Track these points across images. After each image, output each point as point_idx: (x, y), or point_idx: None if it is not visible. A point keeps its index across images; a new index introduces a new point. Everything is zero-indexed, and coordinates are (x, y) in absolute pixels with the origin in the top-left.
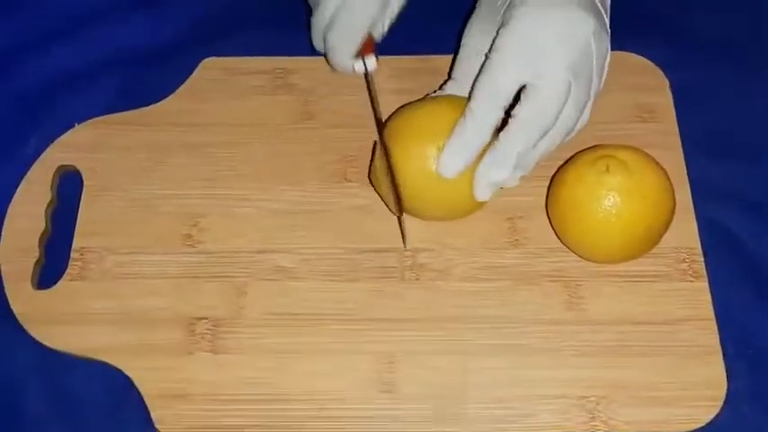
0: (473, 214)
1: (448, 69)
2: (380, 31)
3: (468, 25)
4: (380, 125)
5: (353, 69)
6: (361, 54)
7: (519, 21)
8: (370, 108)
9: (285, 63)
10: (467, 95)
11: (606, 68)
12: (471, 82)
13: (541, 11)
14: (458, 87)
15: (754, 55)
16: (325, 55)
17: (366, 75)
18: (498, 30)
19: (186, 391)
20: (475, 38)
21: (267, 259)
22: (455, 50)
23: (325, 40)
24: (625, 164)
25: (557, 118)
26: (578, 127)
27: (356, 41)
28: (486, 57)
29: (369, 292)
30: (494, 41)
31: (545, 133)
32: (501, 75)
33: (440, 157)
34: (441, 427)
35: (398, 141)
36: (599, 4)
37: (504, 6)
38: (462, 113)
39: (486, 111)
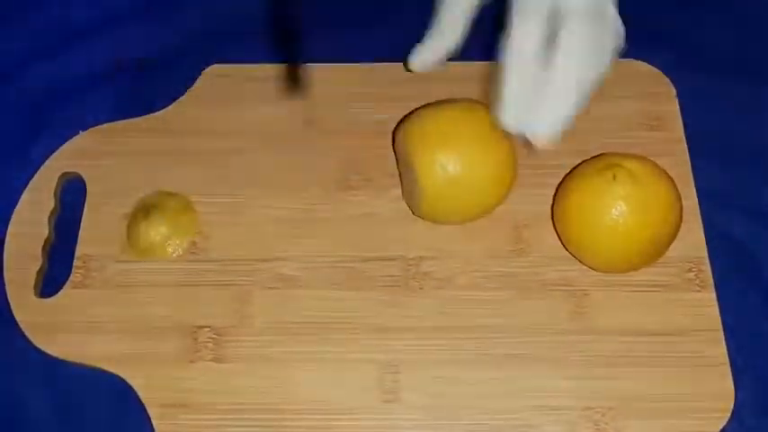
0: (478, 222)
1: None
2: None
3: None
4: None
5: None
6: None
7: None
8: None
9: None
10: (449, 47)
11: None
12: (454, 34)
13: None
14: (441, 39)
15: (761, 63)
16: None
17: None
18: None
19: (188, 401)
20: None
21: (270, 267)
22: None
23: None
24: (632, 173)
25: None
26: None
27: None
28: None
29: (372, 301)
30: None
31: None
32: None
33: (500, 109)
34: None
35: (421, 147)
36: None
37: None
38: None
39: (526, 30)
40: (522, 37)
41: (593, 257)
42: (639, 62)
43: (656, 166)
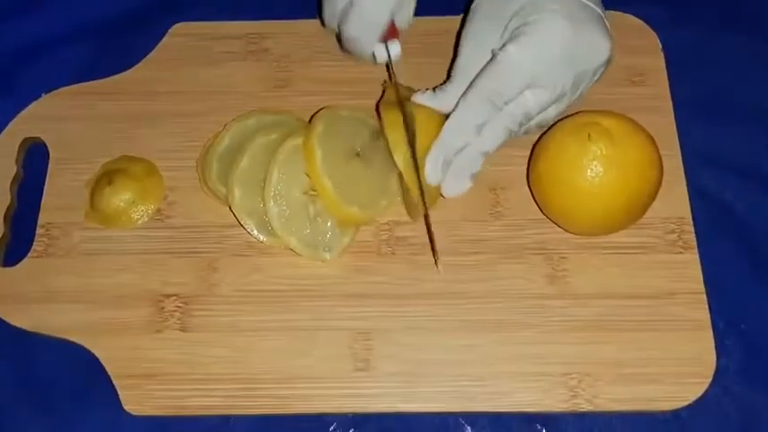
0: None
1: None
2: (406, 17)
3: (467, 26)
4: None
5: (374, 58)
6: (383, 39)
7: (538, 32)
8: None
9: (258, 27)
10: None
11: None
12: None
13: (563, 27)
14: (457, 92)
15: (754, 15)
16: (338, 38)
17: (389, 64)
18: (511, 33)
19: (155, 371)
20: (475, 39)
21: (238, 234)
22: (454, 50)
23: (340, 29)
24: (608, 132)
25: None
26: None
27: (378, 31)
28: (492, 57)
29: (343, 267)
30: (504, 46)
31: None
32: (506, 85)
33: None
34: (417, 404)
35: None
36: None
37: (515, 10)
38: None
39: (476, 116)
40: (470, 119)
41: (569, 221)
42: (623, 14)
43: (634, 123)
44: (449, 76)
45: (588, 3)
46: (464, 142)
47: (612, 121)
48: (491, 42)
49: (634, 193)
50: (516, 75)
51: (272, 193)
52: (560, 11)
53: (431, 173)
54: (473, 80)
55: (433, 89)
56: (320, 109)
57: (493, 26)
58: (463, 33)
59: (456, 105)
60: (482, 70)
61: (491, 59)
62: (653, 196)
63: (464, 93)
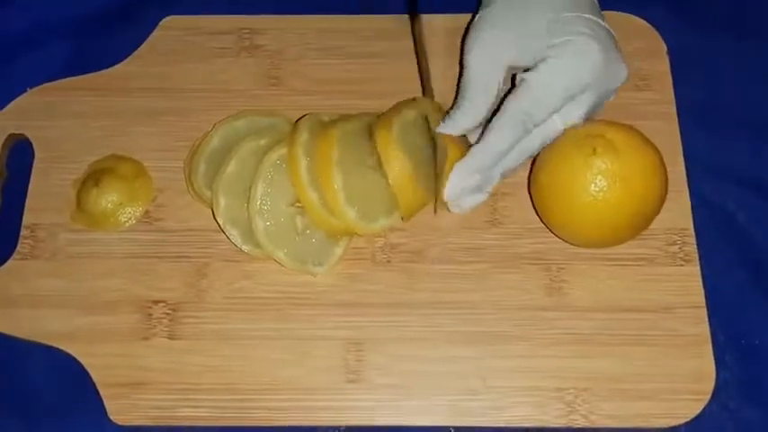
0: None
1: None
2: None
3: (474, 36)
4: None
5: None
6: None
7: (571, 55)
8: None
9: (251, 22)
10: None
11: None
12: (482, 113)
13: (596, 51)
14: (468, 118)
15: (761, 20)
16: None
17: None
18: (536, 53)
19: (142, 380)
20: (484, 51)
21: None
22: (459, 63)
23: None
24: (613, 145)
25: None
26: None
27: None
28: (522, 80)
29: (336, 275)
30: (536, 67)
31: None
32: (538, 108)
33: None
34: (409, 418)
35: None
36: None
37: (538, 28)
38: (483, 135)
39: (507, 139)
40: (499, 145)
41: (571, 234)
42: (628, 15)
43: (639, 135)
44: (458, 93)
45: (605, 24)
46: (490, 166)
47: (617, 134)
48: (504, 56)
49: (637, 208)
50: (551, 98)
51: (257, 208)
52: (588, 33)
53: (451, 193)
54: (502, 104)
55: (447, 112)
56: (302, 116)
57: (506, 39)
58: (470, 44)
59: (484, 131)
60: (512, 93)
61: (521, 81)
62: (657, 209)
63: (495, 118)
